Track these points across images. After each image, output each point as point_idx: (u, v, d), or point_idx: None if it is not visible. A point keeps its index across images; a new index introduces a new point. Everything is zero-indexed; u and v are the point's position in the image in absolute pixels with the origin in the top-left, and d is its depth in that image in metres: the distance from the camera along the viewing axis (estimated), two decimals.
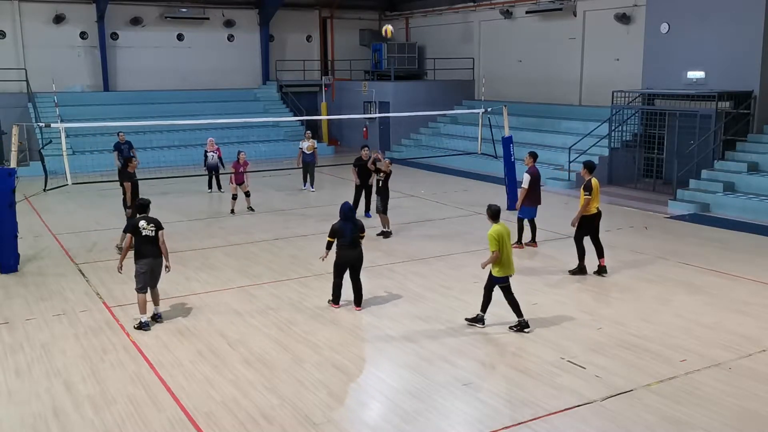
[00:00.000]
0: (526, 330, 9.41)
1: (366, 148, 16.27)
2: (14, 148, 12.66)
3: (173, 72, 29.90)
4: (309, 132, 20.71)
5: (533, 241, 13.86)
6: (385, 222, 14.72)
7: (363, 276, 10.55)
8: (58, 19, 27.57)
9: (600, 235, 12.08)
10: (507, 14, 27.69)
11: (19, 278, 12.19)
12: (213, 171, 20.14)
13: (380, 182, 14.61)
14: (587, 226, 11.88)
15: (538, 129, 25.00)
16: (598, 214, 11.96)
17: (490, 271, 9.49)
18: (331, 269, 11.49)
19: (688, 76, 19.75)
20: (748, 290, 11.12)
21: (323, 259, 10.47)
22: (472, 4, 29.39)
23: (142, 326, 9.66)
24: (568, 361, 8.47)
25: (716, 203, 17.11)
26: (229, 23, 30.94)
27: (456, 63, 29.83)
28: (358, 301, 10.47)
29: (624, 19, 23.24)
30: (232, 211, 17.22)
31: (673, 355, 8.62)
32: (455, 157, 23.25)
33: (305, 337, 9.33)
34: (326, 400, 7.56)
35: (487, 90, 26.30)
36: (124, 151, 19.33)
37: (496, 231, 9.25)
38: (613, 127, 21.04)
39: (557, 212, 17.28)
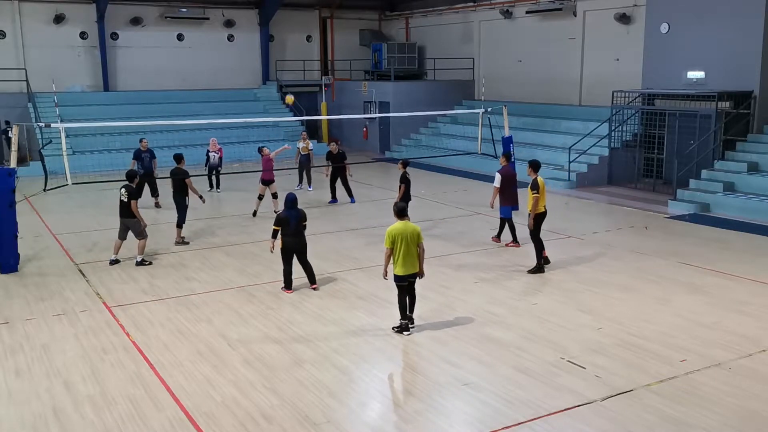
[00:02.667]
0: (405, 333, 9.34)
1: (333, 143, 18.41)
2: (14, 147, 12.66)
3: (173, 72, 29.89)
4: (305, 133, 20.92)
5: (514, 242, 13.98)
6: None
7: (363, 275, 10.59)
8: (58, 19, 27.56)
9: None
10: (507, 14, 27.69)
11: (19, 278, 12.19)
12: (213, 170, 20.18)
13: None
14: (539, 223, 12.20)
15: (538, 129, 25.00)
16: (545, 213, 12.35)
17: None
18: (333, 269, 11.53)
19: (688, 76, 19.75)
20: (748, 290, 11.11)
21: (272, 250, 11.01)
22: (472, 4, 29.38)
23: (110, 261, 12.83)
24: (568, 361, 8.47)
25: (716, 203, 17.10)
26: (229, 23, 30.94)
27: (456, 63, 29.83)
28: (312, 279, 11.22)
29: (624, 19, 23.24)
30: (255, 213, 16.73)
31: (673, 355, 8.62)
32: (455, 157, 23.25)
33: (305, 337, 9.33)
34: (326, 400, 7.56)
35: (487, 90, 26.32)
36: (145, 159, 18.04)
37: (392, 228, 9.16)
38: (613, 127, 21.05)
39: (558, 212, 17.28)
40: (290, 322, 9.88)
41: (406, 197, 14.36)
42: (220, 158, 20.08)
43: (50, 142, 21.34)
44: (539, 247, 12.15)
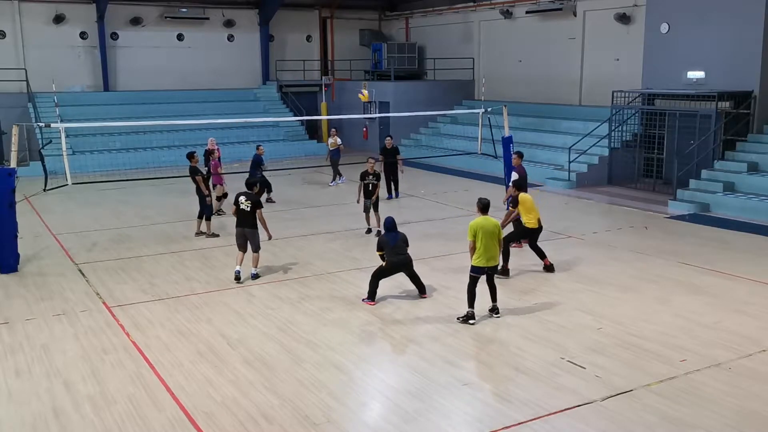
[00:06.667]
0: (471, 321, 9.71)
1: (388, 138, 18.90)
2: (14, 147, 12.65)
3: (173, 72, 29.88)
4: (334, 129, 21.73)
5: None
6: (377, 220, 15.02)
7: (363, 275, 10.62)
8: (58, 19, 27.56)
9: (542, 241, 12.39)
10: (507, 14, 27.69)
11: (19, 278, 12.19)
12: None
13: (370, 186, 14.79)
14: (524, 234, 12.31)
15: (538, 129, 24.99)
16: (539, 228, 12.13)
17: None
18: (333, 269, 11.49)
19: (688, 76, 19.74)
20: (748, 290, 11.11)
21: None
22: (472, 4, 29.38)
23: (236, 275, 11.69)
24: (568, 361, 8.47)
25: (716, 203, 17.10)
26: (229, 23, 30.94)
27: (456, 63, 29.83)
28: (422, 289, 10.90)
29: (624, 19, 23.24)
30: (221, 212, 16.99)
31: (673, 355, 8.62)
32: (455, 157, 23.24)
33: (305, 337, 9.33)
34: (326, 400, 7.56)
35: (487, 90, 26.29)
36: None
37: (474, 222, 9.67)
38: (613, 127, 21.04)
39: (557, 212, 17.29)
40: (290, 322, 9.88)
41: (368, 195, 14.68)
42: (218, 158, 20.02)
43: (50, 142, 21.32)
44: (506, 255, 11.79)
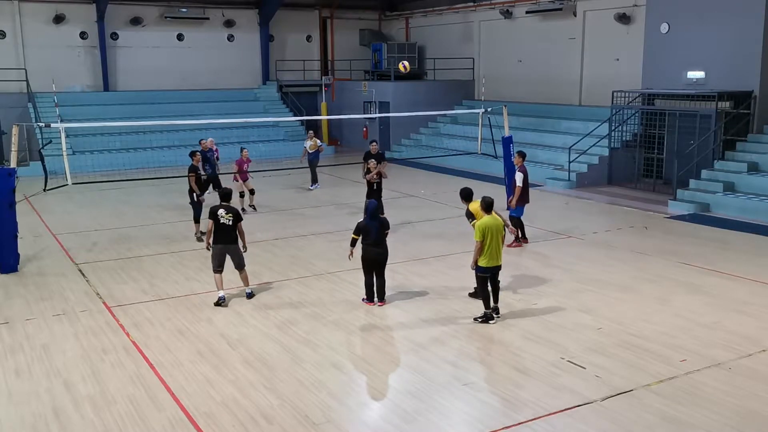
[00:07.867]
0: (491, 322, 9.73)
1: (374, 143, 17.07)
2: (14, 147, 12.65)
3: (173, 72, 29.88)
4: (311, 132, 21.15)
5: (525, 238, 14.02)
6: None
7: (363, 276, 10.60)
8: (58, 19, 27.55)
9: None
10: (507, 14, 27.69)
11: (19, 278, 12.19)
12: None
13: (374, 185, 14.78)
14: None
15: (538, 129, 25.00)
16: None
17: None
18: (333, 269, 11.41)
19: (688, 76, 19.74)
20: (748, 290, 11.11)
21: (350, 258, 10.47)
22: (472, 4, 29.38)
23: (219, 301, 10.61)
24: (568, 361, 8.47)
25: (716, 203, 17.09)
26: (229, 23, 30.94)
27: (456, 63, 29.83)
28: (381, 296, 10.57)
29: (624, 19, 23.24)
30: (243, 210, 16.78)
31: (673, 355, 8.62)
32: (455, 157, 23.25)
33: (305, 337, 9.34)
34: (326, 400, 7.56)
35: (487, 90, 26.30)
36: (211, 159, 17.89)
37: (482, 222, 9.58)
38: (613, 127, 21.04)
39: (557, 212, 17.30)
40: (290, 322, 9.88)
41: (374, 195, 14.47)
42: (217, 158, 19.98)
43: (50, 142, 21.32)
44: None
